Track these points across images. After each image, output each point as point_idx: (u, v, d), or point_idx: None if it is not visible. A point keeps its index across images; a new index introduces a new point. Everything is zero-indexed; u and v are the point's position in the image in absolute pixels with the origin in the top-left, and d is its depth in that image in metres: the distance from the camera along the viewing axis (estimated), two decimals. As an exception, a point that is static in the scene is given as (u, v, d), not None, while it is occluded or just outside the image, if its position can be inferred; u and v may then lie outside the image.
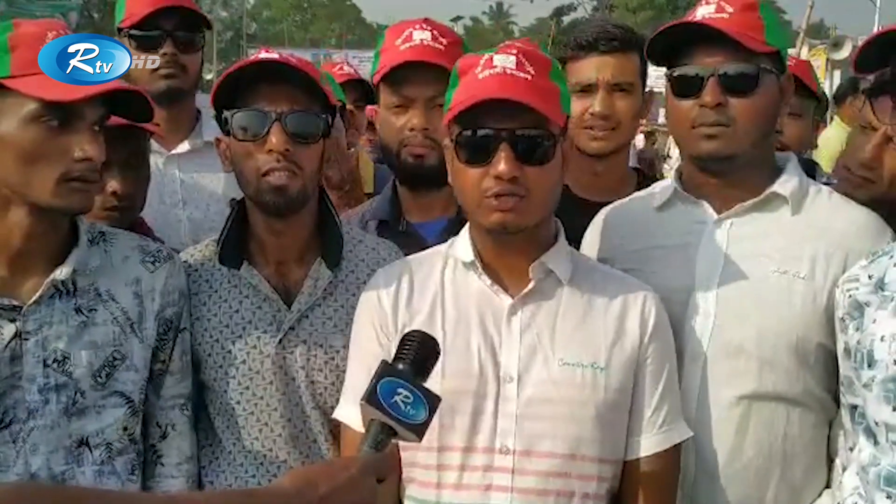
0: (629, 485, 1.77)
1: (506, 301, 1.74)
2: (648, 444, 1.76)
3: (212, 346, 1.98)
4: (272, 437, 1.97)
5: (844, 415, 1.79)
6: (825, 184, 2.12)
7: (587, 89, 2.45)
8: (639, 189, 2.25)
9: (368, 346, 1.80)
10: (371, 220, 2.34)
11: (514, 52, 1.70)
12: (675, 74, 1.91)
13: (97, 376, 1.78)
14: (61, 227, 1.79)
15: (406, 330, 1.72)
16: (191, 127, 2.80)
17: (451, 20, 59.13)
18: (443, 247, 1.87)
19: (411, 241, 2.15)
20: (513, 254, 1.75)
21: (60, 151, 1.66)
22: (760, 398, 1.84)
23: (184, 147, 2.77)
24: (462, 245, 1.81)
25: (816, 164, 3.35)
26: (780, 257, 1.86)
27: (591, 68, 2.44)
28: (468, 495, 1.69)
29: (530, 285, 1.74)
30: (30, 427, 1.72)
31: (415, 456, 1.73)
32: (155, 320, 1.88)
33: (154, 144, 2.69)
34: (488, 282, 1.76)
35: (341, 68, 3.96)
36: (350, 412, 1.78)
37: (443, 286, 1.79)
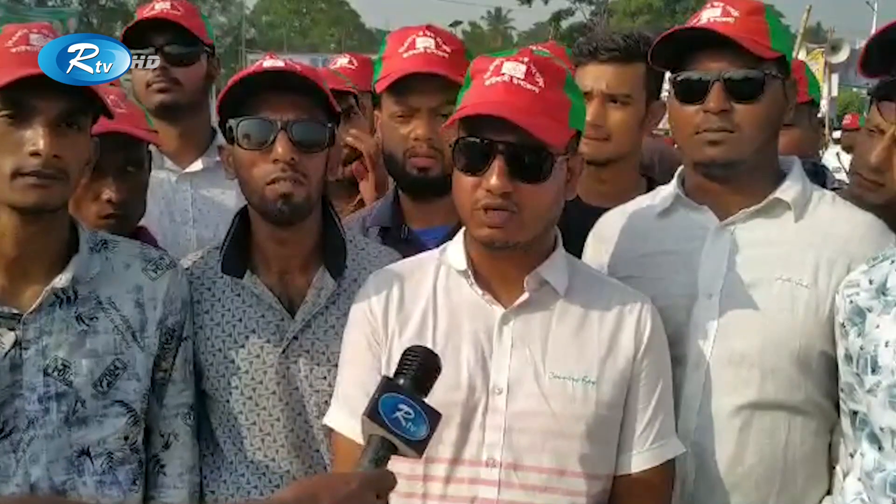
0: (620, 500, 1.75)
1: (498, 311, 1.72)
2: (640, 460, 1.73)
3: (214, 356, 1.96)
4: (274, 447, 1.95)
5: (844, 421, 1.79)
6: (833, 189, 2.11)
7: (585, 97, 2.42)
8: None
9: (359, 353, 1.78)
10: (372, 226, 2.33)
11: (526, 59, 1.67)
12: (679, 79, 1.90)
13: (98, 385, 1.77)
14: (57, 232, 1.77)
15: (396, 338, 1.72)
16: (205, 145, 2.76)
17: (450, 25, 59.16)
18: (436, 252, 1.85)
19: (413, 249, 2.11)
20: (507, 263, 1.72)
21: (13, 145, 1.63)
22: (762, 406, 1.83)
23: (197, 165, 2.74)
24: (455, 252, 1.78)
25: (826, 168, 3.29)
26: (783, 264, 1.85)
27: (589, 76, 2.42)
28: None
29: (524, 296, 1.71)
30: (30, 436, 1.71)
31: (401, 466, 1.70)
32: (157, 329, 1.86)
33: (168, 162, 2.68)
34: (480, 291, 1.73)
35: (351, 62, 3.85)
36: (340, 418, 1.77)
37: (435, 294, 1.77)
